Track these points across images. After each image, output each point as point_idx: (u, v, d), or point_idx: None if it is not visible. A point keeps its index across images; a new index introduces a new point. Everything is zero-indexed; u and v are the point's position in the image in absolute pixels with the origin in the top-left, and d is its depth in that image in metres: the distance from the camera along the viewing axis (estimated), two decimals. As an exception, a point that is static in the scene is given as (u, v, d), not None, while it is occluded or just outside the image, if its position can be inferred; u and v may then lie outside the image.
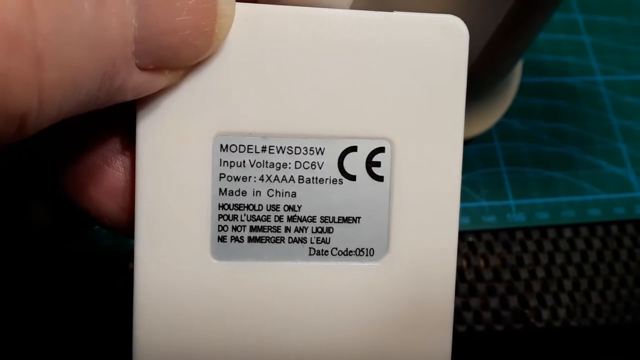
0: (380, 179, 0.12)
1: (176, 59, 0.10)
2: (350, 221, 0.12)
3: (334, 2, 0.12)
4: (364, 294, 0.12)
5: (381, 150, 0.12)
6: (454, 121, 0.12)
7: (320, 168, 0.12)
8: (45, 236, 0.21)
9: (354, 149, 0.12)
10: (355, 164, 0.12)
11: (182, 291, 0.12)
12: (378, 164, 0.12)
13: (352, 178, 0.12)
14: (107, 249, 0.23)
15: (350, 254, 0.12)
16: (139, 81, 0.10)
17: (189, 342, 0.12)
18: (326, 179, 0.12)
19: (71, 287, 0.23)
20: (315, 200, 0.12)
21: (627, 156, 0.28)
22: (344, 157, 0.12)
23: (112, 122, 0.13)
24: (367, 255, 0.12)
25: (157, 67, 0.10)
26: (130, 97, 0.10)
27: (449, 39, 0.12)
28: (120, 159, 0.12)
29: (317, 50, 0.12)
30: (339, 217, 0.12)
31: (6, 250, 0.21)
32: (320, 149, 0.12)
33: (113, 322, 0.21)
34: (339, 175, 0.12)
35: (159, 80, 0.10)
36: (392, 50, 0.12)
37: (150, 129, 0.11)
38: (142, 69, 0.10)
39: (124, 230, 0.12)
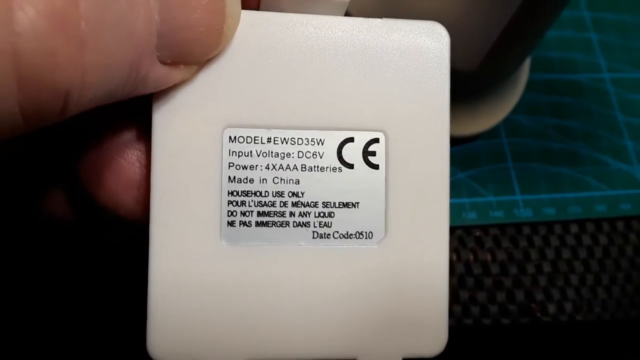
0: (376, 167, 0.13)
1: (190, 54, 0.11)
2: (349, 206, 0.13)
3: (329, 10, 0.13)
4: (364, 273, 0.13)
5: (376, 140, 0.13)
6: (440, 113, 0.13)
7: (321, 157, 0.13)
8: (68, 232, 0.21)
9: (351, 139, 0.13)
10: (352, 153, 0.13)
11: (194, 273, 0.12)
12: (374, 154, 0.13)
13: (350, 166, 0.13)
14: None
15: (351, 237, 0.13)
16: (159, 74, 0.11)
17: (200, 320, 0.12)
18: (326, 167, 0.13)
19: (88, 273, 0.23)
20: (317, 187, 0.13)
21: (633, 153, 0.28)
22: (343, 147, 0.13)
23: (128, 117, 0.13)
24: (366, 238, 0.13)
25: (174, 62, 0.11)
26: (150, 89, 0.11)
27: (432, 42, 0.13)
28: (136, 154, 0.13)
29: (316, 51, 0.13)
30: (339, 202, 0.13)
31: (29, 243, 0.22)
32: (320, 139, 0.13)
33: (127, 305, 0.22)
34: (338, 164, 0.13)
35: (175, 74, 0.11)
36: (383, 52, 0.13)
37: (165, 121, 0.12)
38: (162, 62, 0.11)
39: (138, 222, 0.13)
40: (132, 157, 0.13)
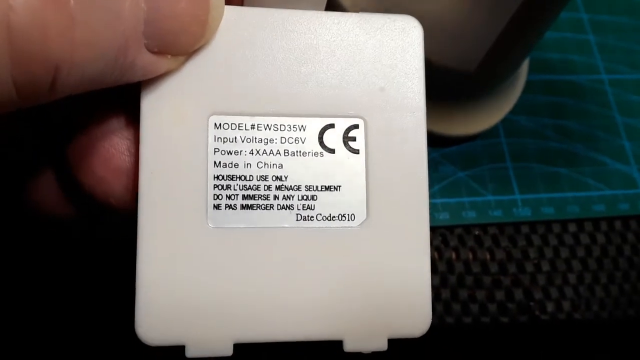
0: (356, 151, 0.13)
1: (176, 44, 0.12)
2: (332, 189, 0.13)
3: (309, 5, 0.14)
4: (347, 255, 0.13)
5: (356, 127, 0.14)
6: (416, 101, 0.14)
7: (303, 143, 0.13)
8: (62, 228, 0.21)
9: (332, 126, 0.13)
10: (333, 139, 0.13)
11: (182, 255, 0.13)
12: (354, 139, 0.13)
13: (332, 151, 0.13)
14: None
15: (334, 219, 0.13)
16: (147, 61, 0.11)
17: (188, 303, 0.13)
18: (309, 152, 0.13)
19: (82, 268, 0.24)
20: (299, 171, 0.13)
21: (631, 153, 0.29)
22: (324, 133, 0.13)
23: (117, 107, 0.14)
24: (348, 220, 0.13)
25: (161, 51, 0.12)
26: (138, 76, 0.12)
27: (406, 35, 0.14)
28: (126, 143, 0.14)
29: (296, 43, 0.13)
30: (321, 185, 0.13)
31: (24, 238, 0.22)
32: (302, 126, 0.13)
33: (118, 296, 0.22)
34: (319, 149, 0.13)
35: (162, 63, 0.12)
36: (360, 44, 0.14)
37: (153, 109, 0.13)
38: (150, 50, 0.11)
39: (129, 211, 0.14)
40: (121, 145, 0.14)
